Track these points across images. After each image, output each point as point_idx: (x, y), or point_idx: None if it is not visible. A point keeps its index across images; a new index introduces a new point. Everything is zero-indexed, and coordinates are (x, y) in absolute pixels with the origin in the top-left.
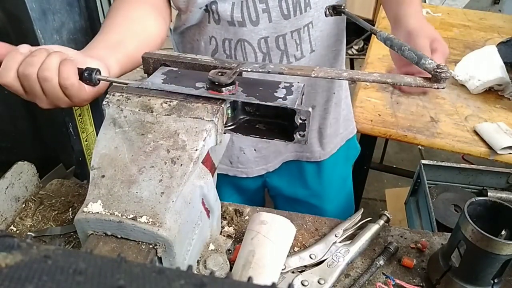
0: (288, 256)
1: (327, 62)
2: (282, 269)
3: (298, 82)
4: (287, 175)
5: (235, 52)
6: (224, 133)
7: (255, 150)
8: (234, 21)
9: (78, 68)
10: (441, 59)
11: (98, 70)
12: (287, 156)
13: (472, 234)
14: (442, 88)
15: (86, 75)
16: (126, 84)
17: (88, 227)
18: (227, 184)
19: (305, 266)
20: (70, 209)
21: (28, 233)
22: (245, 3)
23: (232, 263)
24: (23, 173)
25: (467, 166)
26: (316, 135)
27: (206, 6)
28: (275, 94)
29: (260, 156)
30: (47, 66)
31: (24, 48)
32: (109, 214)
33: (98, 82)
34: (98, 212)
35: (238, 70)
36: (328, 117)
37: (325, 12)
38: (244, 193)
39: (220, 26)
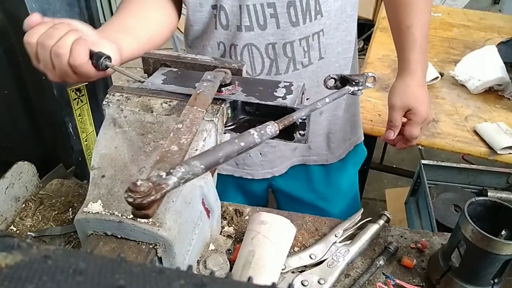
0: (288, 256)
1: (338, 69)
2: (282, 269)
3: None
4: (293, 179)
5: (241, 57)
6: (224, 133)
7: (260, 154)
8: (242, 25)
9: (90, 50)
10: (415, 130)
11: (108, 57)
12: (294, 161)
13: (472, 234)
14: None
15: (95, 60)
16: (131, 77)
17: (88, 227)
18: (233, 185)
19: (305, 266)
20: (70, 209)
21: (28, 233)
22: (252, 7)
23: (232, 263)
24: (23, 173)
25: (467, 166)
26: (325, 139)
27: (216, 6)
28: (274, 93)
29: (266, 160)
30: (62, 43)
31: (48, 20)
32: (109, 214)
33: (105, 68)
34: (98, 212)
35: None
36: (337, 122)
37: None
38: (249, 195)
39: (228, 32)
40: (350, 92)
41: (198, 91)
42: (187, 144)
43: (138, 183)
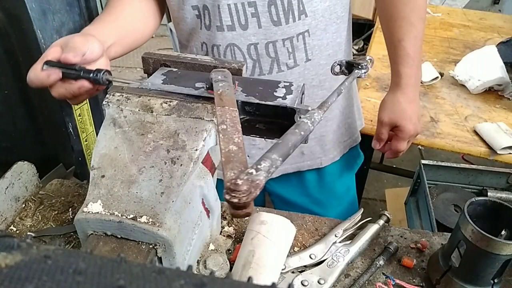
0: (288, 256)
1: (328, 71)
2: (282, 269)
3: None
4: (286, 183)
5: (224, 57)
6: None
7: (248, 156)
8: (223, 25)
9: (87, 70)
10: (401, 145)
11: (107, 71)
12: (287, 168)
13: (472, 234)
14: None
15: (96, 76)
16: (128, 83)
17: (88, 227)
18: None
19: (305, 266)
20: (70, 209)
21: (28, 233)
22: (233, 6)
23: (232, 263)
24: (23, 173)
25: (467, 166)
26: (318, 143)
27: (198, 8)
28: (274, 93)
29: (253, 162)
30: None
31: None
32: (109, 214)
33: (107, 82)
34: (98, 212)
35: None
36: (328, 124)
37: (332, 69)
38: None
39: (210, 32)
40: (358, 76)
41: (219, 92)
42: (241, 142)
43: (239, 182)
